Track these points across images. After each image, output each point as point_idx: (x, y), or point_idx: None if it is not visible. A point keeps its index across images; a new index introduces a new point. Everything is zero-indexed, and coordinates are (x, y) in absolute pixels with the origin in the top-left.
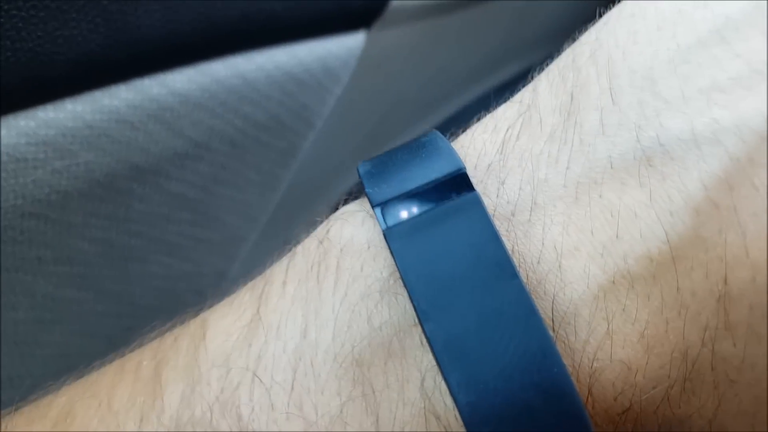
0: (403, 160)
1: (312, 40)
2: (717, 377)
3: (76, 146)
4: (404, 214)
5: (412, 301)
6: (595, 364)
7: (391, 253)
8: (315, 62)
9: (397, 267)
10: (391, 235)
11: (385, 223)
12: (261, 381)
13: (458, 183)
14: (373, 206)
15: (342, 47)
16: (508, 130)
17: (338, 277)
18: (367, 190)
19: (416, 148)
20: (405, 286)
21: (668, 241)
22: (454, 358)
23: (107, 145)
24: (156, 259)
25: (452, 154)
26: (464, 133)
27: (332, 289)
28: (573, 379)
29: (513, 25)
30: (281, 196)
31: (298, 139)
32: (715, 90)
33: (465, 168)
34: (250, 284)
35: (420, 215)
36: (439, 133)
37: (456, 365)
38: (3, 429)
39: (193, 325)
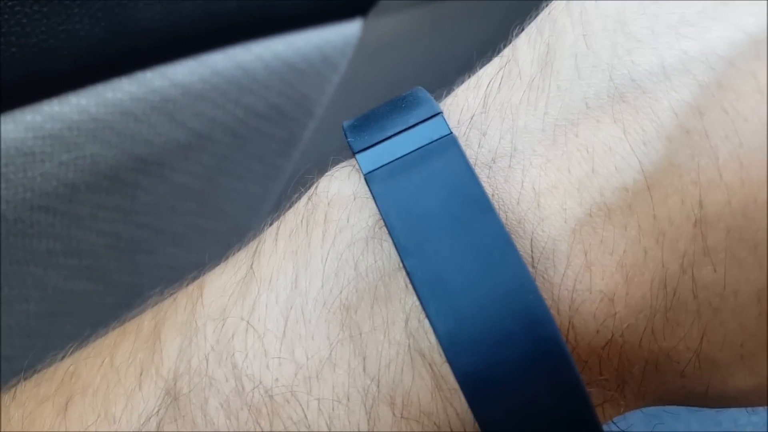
0: (384, 112)
1: (309, 29)
2: (700, 305)
3: (82, 139)
4: (384, 159)
5: (392, 239)
6: (574, 296)
7: (372, 195)
8: (313, 51)
9: (378, 208)
10: (372, 178)
11: (366, 168)
12: (254, 329)
13: (436, 127)
14: (354, 153)
15: (339, 35)
16: (489, 84)
17: (326, 229)
18: (348, 140)
19: (397, 101)
20: (386, 225)
21: (642, 170)
22: (433, 290)
23: (112, 137)
24: (163, 250)
25: (430, 101)
26: (449, 94)
27: (320, 241)
28: (553, 311)
29: (510, 8)
30: (283, 186)
31: (299, 129)
32: (684, 24)
33: (442, 112)
34: (245, 245)
35: (399, 159)
36: (420, 87)
37: (435, 296)
38: (12, 394)
39: (191, 286)
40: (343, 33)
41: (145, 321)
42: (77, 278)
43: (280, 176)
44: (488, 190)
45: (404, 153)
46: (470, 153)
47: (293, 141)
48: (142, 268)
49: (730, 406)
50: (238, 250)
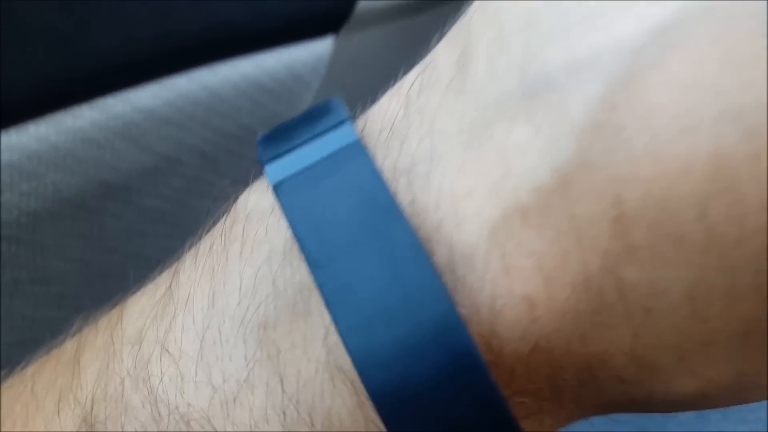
0: (295, 122)
1: (278, 48)
2: (629, 307)
3: (42, 168)
4: (292, 169)
5: (302, 251)
6: (495, 302)
7: (281, 207)
8: (283, 70)
9: (287, 220)
10: (280, 189)
11: (273, 179)
12: (169, 353)
13: (344, 134)
14: (262, 164)
15: (310, 54)
16: (409, 91)
17: (243, 244)
18: (258, 150)
19: (310, 111)
20: (295, 238)
21: (555, 168)
22: (343, 303)
23: (74, 164)
24: (135, 275)
25: (341, 108)
26: (374, 104)
27: (238, 257)
28: (474, 319)
29: None
30: None
31: None
32: (595, 16)
33: (349, 119)
34: (168, 266)
35: (307, 168)
36: (337, 96)
37: (345, 310)
38: None
39: (113, 310)
40: (315, 51)
41: (67, 346)
42: (47, 306)
43: None
44: (407, 197)
45: (312, 162)
46: (390, 159)
47: None
48: (114, 294)
49: (680, 411)
50: (162, 270)
